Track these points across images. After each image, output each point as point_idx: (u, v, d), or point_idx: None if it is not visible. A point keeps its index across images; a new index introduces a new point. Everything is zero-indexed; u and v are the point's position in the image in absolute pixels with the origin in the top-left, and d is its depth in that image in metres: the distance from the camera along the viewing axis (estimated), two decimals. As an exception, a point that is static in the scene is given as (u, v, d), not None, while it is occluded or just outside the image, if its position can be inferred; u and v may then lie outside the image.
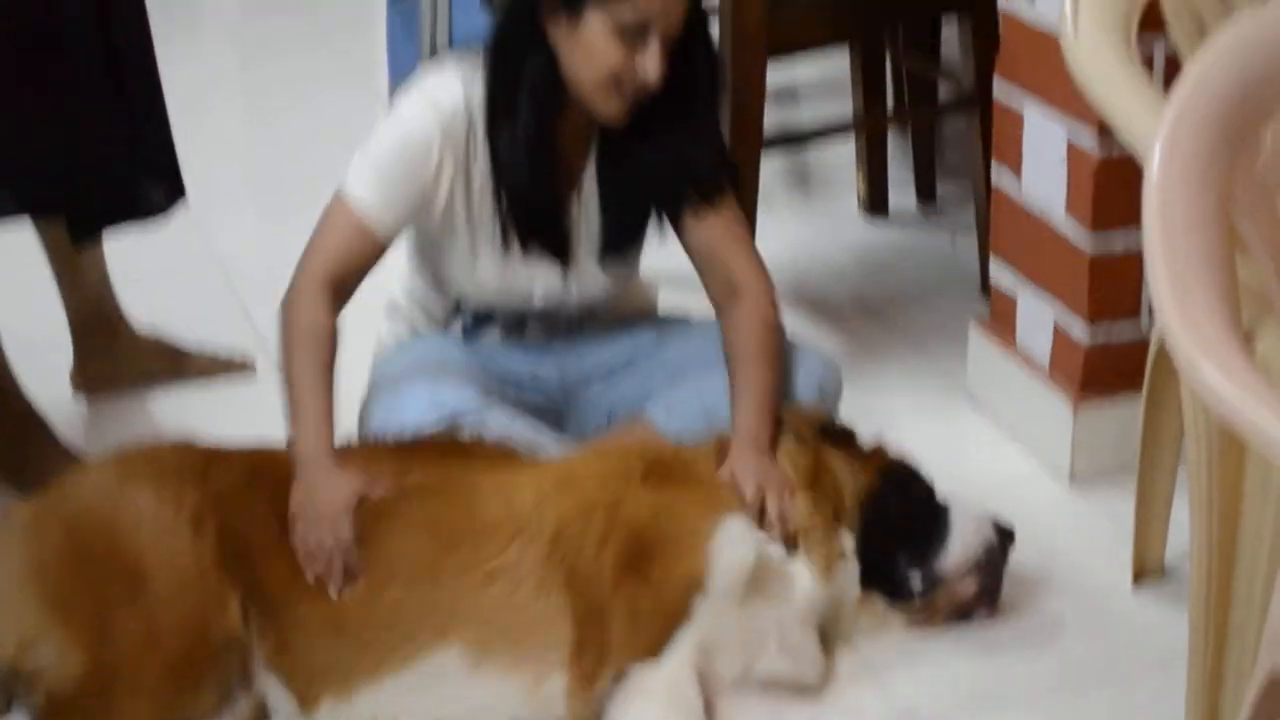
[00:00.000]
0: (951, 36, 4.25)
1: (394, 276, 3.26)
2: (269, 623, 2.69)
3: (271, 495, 2.79)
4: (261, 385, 3.74)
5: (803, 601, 2.80)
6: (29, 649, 2.61)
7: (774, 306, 3.06)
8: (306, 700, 2.69)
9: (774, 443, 2.90)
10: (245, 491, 2.78)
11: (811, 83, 5.01)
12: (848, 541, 2.85)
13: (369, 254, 2.96)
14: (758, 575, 2.76)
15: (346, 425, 3.04)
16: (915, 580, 2.86)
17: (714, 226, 3.06)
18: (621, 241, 3.10)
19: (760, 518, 2.79)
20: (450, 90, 2.98)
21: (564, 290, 3.12)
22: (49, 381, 3.60)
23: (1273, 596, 2.05)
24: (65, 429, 3.46)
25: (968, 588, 2.87)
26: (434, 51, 4.10)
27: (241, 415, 3.53)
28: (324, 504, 2.74)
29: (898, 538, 2.86)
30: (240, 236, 4.36)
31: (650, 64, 2.88)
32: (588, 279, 3.12)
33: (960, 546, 2.85)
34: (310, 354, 2.88)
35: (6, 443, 3.39)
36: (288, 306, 2.92)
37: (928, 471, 2.96)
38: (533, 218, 3.03)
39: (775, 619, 2.78)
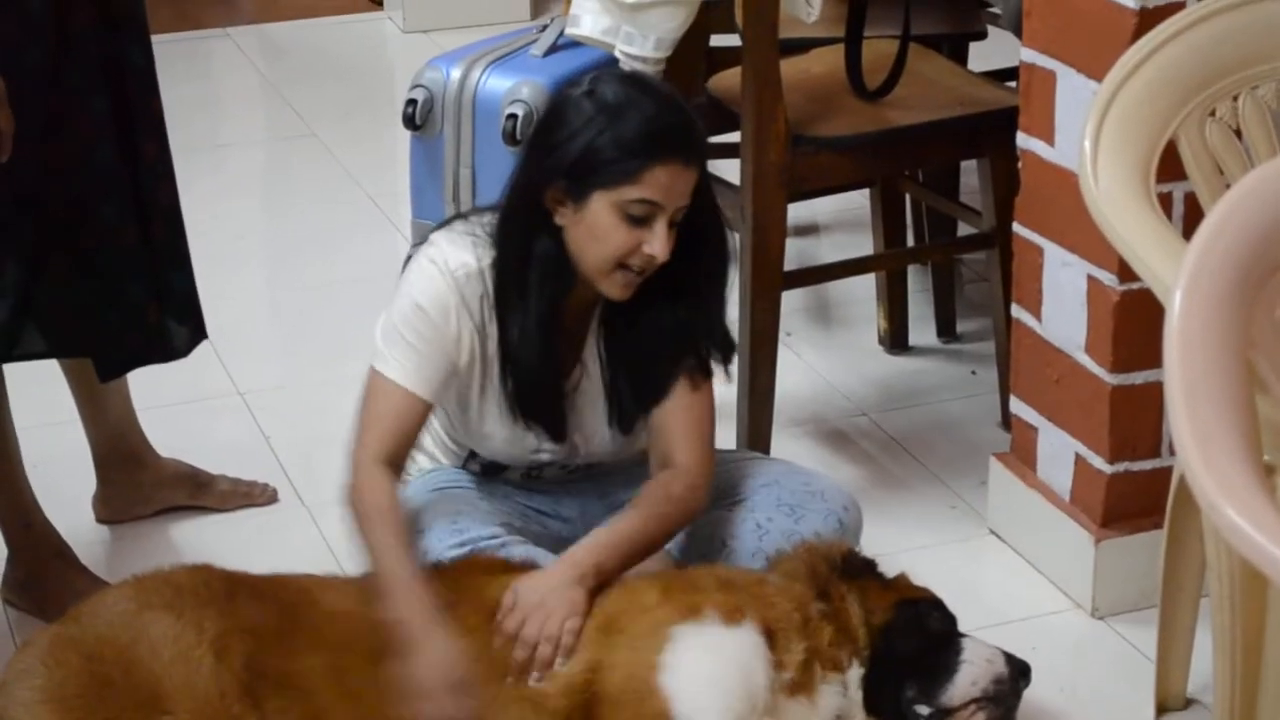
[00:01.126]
0: (971, 172, 4.31)
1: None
2: None
3: (301, 622, 2.81)
4: (282, 514, 3.78)
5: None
6: None
7: (694, 491, 3.00)
8: None
9: (603, 578, 2.87)
10: (275, 620, 2.80)
11: (831, 217, 5.07)
12: (854, 673, 2.86)
13: (416, 419, 2.97)
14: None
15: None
16: (921, 712, 2.86)
17: (680, 410, 3.03)
18: (633, 406, 3.07)
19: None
20: (461, 257, 2.97)
21: (569, 453, 3.13)
22: (72, 510, 3.63)
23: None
24: (88, 557, 3.49)
25: None
26: (456, 191, 4.14)
27: (263, 544, 3.58)
28: (439, 671, 2.74)
29: (907, 668, 2.86)
30: (263, 372, 4.40)
31: (658, 246, 2.86)
32: (595, 442, 3.12)
33: (968, 679, 2.85)
34: (387, 532, 2.87)
35: (30, 572, 3.42)
36: (352, 490, 2.92)
37: (948, 604, 2.97)
38: (534, 396, 3.02)
39: None
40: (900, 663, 2.87)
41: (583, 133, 2.85)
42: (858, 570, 2.98)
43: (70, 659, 2.73)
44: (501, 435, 3.08)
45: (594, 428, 3.10)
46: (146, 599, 2.81)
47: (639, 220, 2.86)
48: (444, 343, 2.96)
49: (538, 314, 2.94)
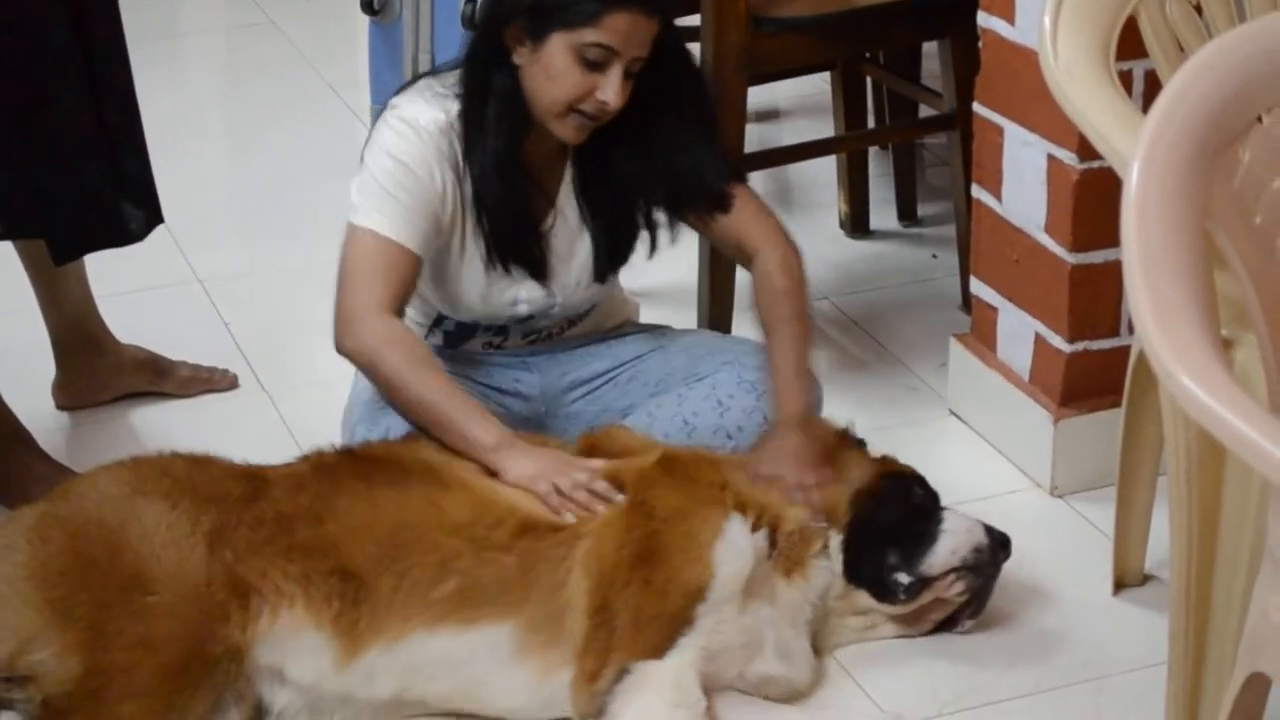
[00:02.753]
0: (932, 55, 4.29)
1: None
2: (341, 589, 2.72)
3: (333, 486, 2.85)
4: (242, 399, 3.78)
5: (787, 603, 2.84)
6: (26, 650, 2.64)
7: (786, 262, 3.10)
8: (355, 645, 2.71)
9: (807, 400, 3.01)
10: (302, 494, 2.83)
11: (792, 102, 5.05)
12: (834, 539, 2.89)
13: (407, 270, 2.96)
14: (752, 576, 2.80)
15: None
16: (901, 579, 2.89)
17: (722, 218, 3.11)
18: (611, 253, 3.13)
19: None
20: (429, 112, 3.00)
21: (548, 301, 3.15)
22: (31, 395, 3.62)
23: (1251, 603, 2.09)
24: (47, 443, 3.48)
25: (955, 590, 2.90)
26: (415, 74, 4.13)
27: (224, 429, 3.57)
28: (548, 459, 2.85)
29: (887, 537, 2.90)
30: (221, 256, 4.39)
31: (610, 91, 2.89)
32: (572, 292, 3.15)
33: (949, 548, 2.88)
34: (418, 367, 2.91)
35: (-10, 457, 3.43)
36: (359, 340, 2.92)
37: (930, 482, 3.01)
38: (510, 236, 3.05)
39: (770, 620, 2.82)
40: (882, 531, 2.90)
41: None
42: (850, 447, 3.04)
43: (55, 536, 2.74)
44: (479, 288, 3.10)
45: (572, 274, 3.13)
46: (141, 485, 2.82)
47: (594, 65, 2.89)
48: (429, 196, 2.98)
49: (495, 150, 2.97)
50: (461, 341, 3.21)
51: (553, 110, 2.93)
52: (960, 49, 3.72)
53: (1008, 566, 3.02)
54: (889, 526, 2.91)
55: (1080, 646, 2.95)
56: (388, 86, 3.47)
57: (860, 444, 3.08)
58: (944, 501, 3.00)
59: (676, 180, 3.08)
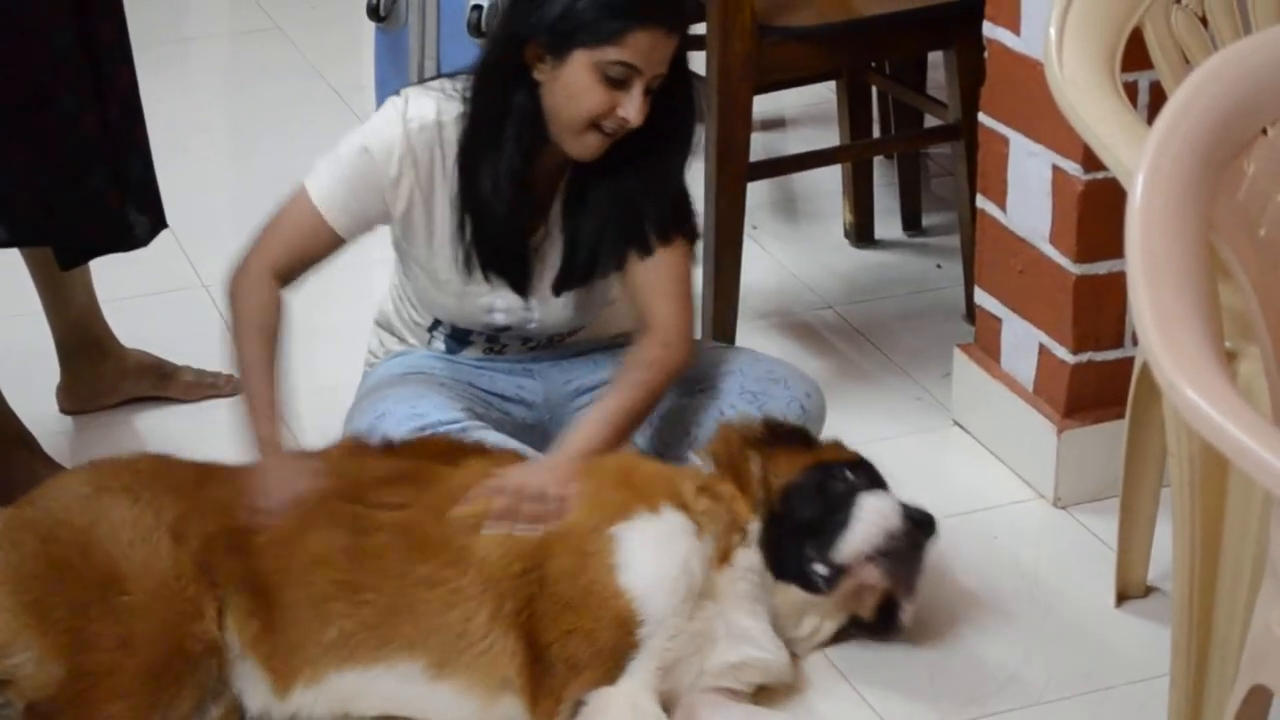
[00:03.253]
0: (937, 65, 4.29)
1: (385, 288, 3.31)
2: (258, 608, 2.72)
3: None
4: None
5: (728, 593, 2.82)
6: (4, 655, 2.65)
7: (669, 349, 3.03)
8: (282, 681, 2.72)
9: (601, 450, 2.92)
10: (236, 498, 2.82)
11: (798, 111, 5.06)
12: (753, 527, 2.88)
13: (321, 248, 3.05)
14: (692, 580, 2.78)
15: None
16: (819, 570, 2.84)
17: (652, 270, 3.06)
18: (577, 274, 3.10)
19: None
20: (423, 108, 3.01)
21: (525, 314, 3.14)
22: (35, 399, 3.62)
23: (1254, 615, 2.09)
24: (51, 447, 3.49)
25: (873, 576, 2.84)
26: (421, 80, 4.13)
27: (227, 434, 3.56)
28: (285, 473, 2.85)
29: (805, 530, 2.86)
30: (226, 261, 4.38)
31: (631, 109, 2.89)
32: (550, 307, 3.15)
33: (860, 535, 2.82)
34: (256, 346, 2.99)
35: (-7, 461, 3.43)
36: (236, 282, 3.02)
37: (915, 493, 2.98)
38: (498, 248, 3.05)
39: (716, 612, 2.80)
40: (799, 525, 2.87)
41: None
42: (778, 439, 2.99)
43: (26, 540, 2.75)
44: (451, 292, 3.11)
45: (548, 293, 3.13)
46: (104, 482, 2.83)
47: (616, 82, 2.89)
48: (379, 187, 3.01)
49: (510, 166, 2.97)
50: (461, 347, 3.22)
51: (573, 127, 2.93)
52: (966, 59, 3.72)
53: (1010, 578, 3.03)
54: (804, 519, 2.86)
55: (1082, 657, 2.95)
56: (393, 93, 3.47)
57: (797, 433, 3.02)
58: (946, 512, 2.99)
59: (643, 210, 3.05)
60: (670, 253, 3.07)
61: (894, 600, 2.92)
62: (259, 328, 2.99)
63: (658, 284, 3.06)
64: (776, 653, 2.85)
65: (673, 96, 2.98)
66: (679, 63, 2.97)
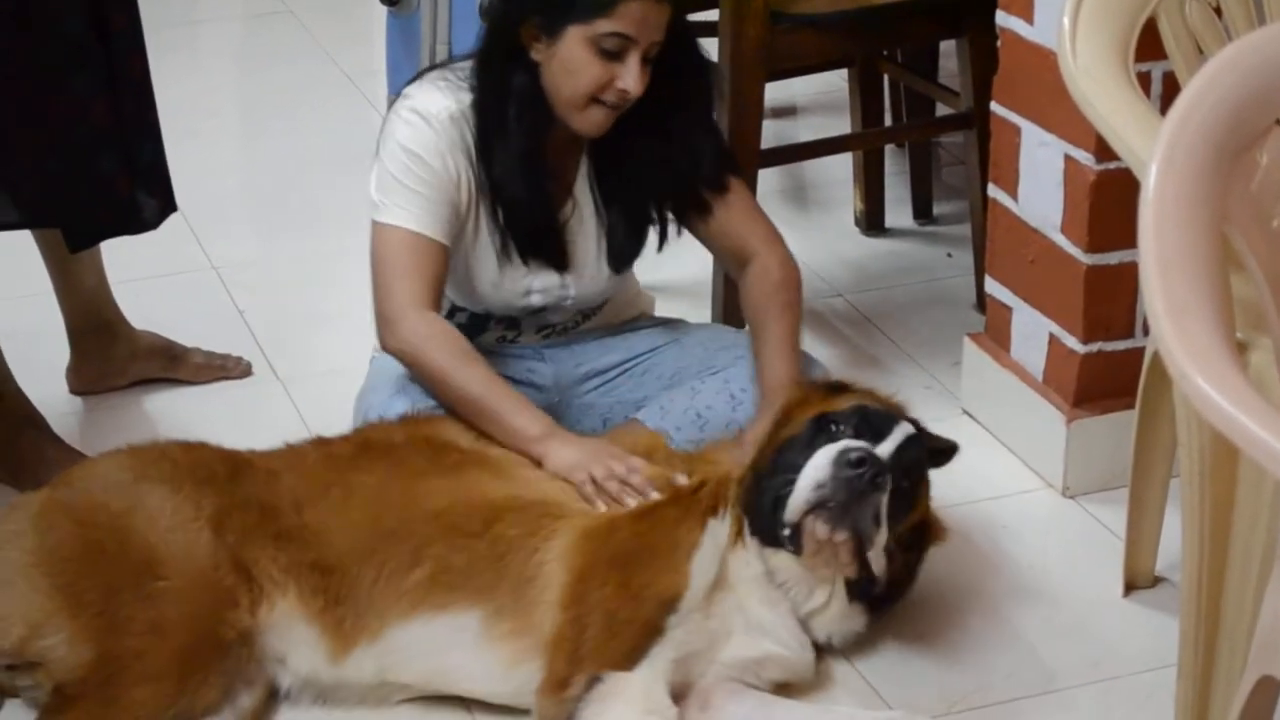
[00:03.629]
0: (950, 53, 4.29)
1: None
2: (325, 585, 2.74)
3: (312, 475, 2.86)
4: (255, 387, 3.78)
5: (744, 577, 2.81)
6: (35, 635, 2.66)
7: (782, 263, 3.14)
8: (343, 643, 2.73)
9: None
10: (272, 492, 2.83)
11: (809, 98, 5.05)
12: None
13: (437, 261, 2.99)
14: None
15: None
16: (784, 533, 2.78)
17: (720, 213, 3.13)
18: (626, 244, 3.14)
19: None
20: (440, 102, 3.01)
21: (562, 291, 3.15)
22: (45, 380, 3.63)
23: (1263, 606, 2.09)
24: (61, 428, 3.49)
25: (822, 531, 2.74)
26: (433, 64, 4.14)
27: (237, 416, 3.58)
28: (589, 449, 2.89)
29: (770, 492, 2.80)
30: (236, 244, 4.40)
31: (630, 79, 2.91)
32: (586, 282, 3.16)
33: (799, 494, 2.74)
34: (472, 361, 2.97)
35: (3, 441, 3.42)
36: (401, 337, 2.96)
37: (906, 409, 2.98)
38: (531, 230, 3.06)
39: (735, 604, 2.80)
40: (763, 490, 2.82)
41: None
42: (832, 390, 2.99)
43: (62, 523, 2.76)
44: (491, 277, 3.11)
45: (586, 264, 3.14)
46: (143, 470, 2.84)
47: (612, 54, 2.90)
48: (445, 184, 3.00)
49: (519, 149, 2.99)
50: (475, 334, 3.21)
51: (574, 103, 2.94)
52: (978, 48, 3.71)
53: (1018, 567, 3.02)
54: (769, 484, 2.81)
55: (1090, 647, 2.95)
56: (405, 77, 3.47)
57: (840, 386, 3.00)
58: (955, 500, 2.98)
59: (674, 166, 3.08)
60: (730, 193, 3.14)
61: (863, 566, 2.81)
62: (462, 352, 2.97)
63: (736, 221, 3.15)
64: (799, 650, 2.83)
65: (677, 60, 2.98)
66: (677, 26, 2.98)
